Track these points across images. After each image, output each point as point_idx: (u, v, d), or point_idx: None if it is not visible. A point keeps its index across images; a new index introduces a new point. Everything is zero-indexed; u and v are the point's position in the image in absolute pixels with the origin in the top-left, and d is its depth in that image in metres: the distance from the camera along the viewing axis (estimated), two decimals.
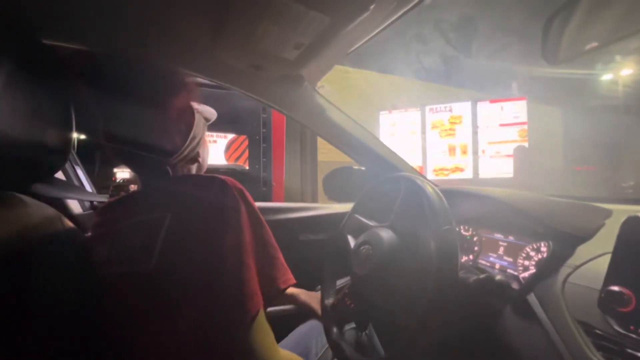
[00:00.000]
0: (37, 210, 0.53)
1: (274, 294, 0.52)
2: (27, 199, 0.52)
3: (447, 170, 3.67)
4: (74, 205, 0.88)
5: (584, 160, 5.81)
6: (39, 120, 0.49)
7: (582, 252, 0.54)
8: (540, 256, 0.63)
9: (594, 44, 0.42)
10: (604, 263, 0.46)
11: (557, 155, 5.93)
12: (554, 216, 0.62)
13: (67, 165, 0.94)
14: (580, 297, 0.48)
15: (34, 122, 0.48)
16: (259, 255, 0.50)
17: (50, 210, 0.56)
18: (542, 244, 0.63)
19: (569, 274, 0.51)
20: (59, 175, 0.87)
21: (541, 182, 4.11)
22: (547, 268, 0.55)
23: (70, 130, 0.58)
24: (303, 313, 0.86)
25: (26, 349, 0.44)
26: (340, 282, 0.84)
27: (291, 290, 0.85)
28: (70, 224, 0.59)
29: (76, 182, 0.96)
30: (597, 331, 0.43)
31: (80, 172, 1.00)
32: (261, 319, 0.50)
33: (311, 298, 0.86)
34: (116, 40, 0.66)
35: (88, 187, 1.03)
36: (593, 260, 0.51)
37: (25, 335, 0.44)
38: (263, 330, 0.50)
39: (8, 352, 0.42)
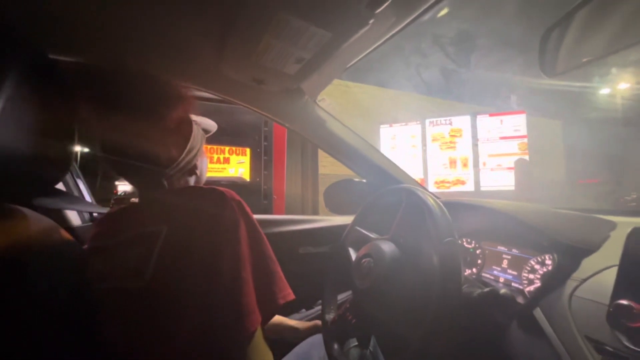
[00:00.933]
0: (35, 222, 0.53)
1: (272, 310, 0.51)
2: (26, 210, 0.52)
3: (448, 182, 3.67)
4: (74, 217, 0.87)
5: (586, 173, 5.80)
6: (42, 133, 0.49)
7: (588, 265, 0.53)
8: (545, 269, 0.62)
9: (592, 57, 0.43)
10: (610, 276, 0.45)
11: (559, 168, 5.92)
12: (558, 228, 0.61)
13: (68, 177, 0.94)
14: (587, 311, 0.47)
15: (38, 135, 0.49)
16: (257, 270, 0.49)
17: (49, 223, 0.56)
18: (547, 257, 0.62)
19: (576, 288, 0.50)
20: (59, 186, 0.87)
21: (543, 194, 4.10)
22: (553, 281, 0.54)
23: (72, 143, 0.58)
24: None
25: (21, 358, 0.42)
26: (341, 297, 0.82)
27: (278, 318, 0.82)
28: (68, 236, 0.59)
29: (77, 194, 0.96)
30: (607, 347, 0.42)
31: (81, 185, 1.01)
32: (259, 337, 0.48)
33: (300, 324, 0.83)
34: (121, 56, 0.67)
35: (88, 199, 1.03)
36: (599, 273, 0.50)
37: (22, 347, 0.43)
38: (261, 350, 0.48)
39: None
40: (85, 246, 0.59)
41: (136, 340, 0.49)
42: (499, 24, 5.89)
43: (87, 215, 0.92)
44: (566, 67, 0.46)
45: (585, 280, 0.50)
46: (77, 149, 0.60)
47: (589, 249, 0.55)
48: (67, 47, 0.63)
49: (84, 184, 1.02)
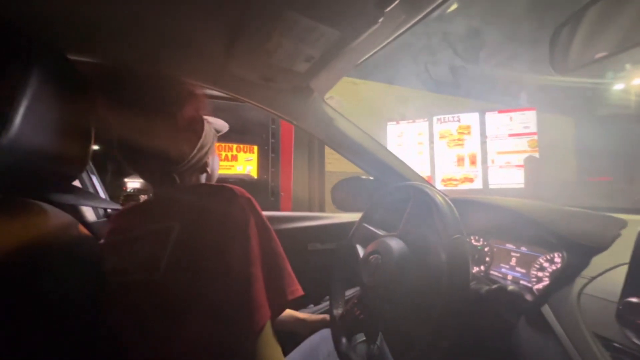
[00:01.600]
0: (55, 216, 0.55)
1: (281, 305, 0.52)
2: (45, 205, 0.54)
3: (456, 180, 3.64)
4: (89, 213, 0.90)
5: (598, 171, 5.68)
6: (61, 132, 0.51)
7: (598, 263, 0.53)
8: (554, 267, 0.62)
9: (604, 53, 0.42)
10: (620, 274, 0.44)
11: (570, 166, 5.82)
12: (568, 226, 0.61)
13: (84, 174, 0.97)
14: (596, 309, 0.47)
15: (57, 133, 0.50)
16: (266, 266, 0.50)
17: (67, 217, 0.58)
18: (556, 255, 0.62)
19: (585, 286, 0.50)
20: (75, 183, 0.89)
21: (553, 193, 4.03)
22: (562, 279, 0.54)
23: (89, 141, 0.60)
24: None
25: (40, 350, 0.44)
26: (349, 293, 0.83)
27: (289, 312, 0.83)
28: (85, 230, 0.61)
29: (91, 190, 0.99)
30: (616, 344, 0.42)
31: (95, 181, 1.03)
32: (268, 331, 0.49)
33: (308, 316, 0.84)
34: (136, 56, 0.69)
35: (103, 195, 1.05)
36: (609, 272, 0.50)
37: (41, 337, 0.45)
38: (270, 344, 0.49)
39: (22, 353, 0.43)
40: (102, 241, 0.61)
41: (148, 332, 0.50)
42: (509, 19, 5.77)
43: (101, 211, 0.95)
44: (578, 63, 0.45)
45: (594, 278, 0.50)
46: (92, 147, 0.62)
47: (599, 247, 0.55)
48: (82, 48, 0.65)
49: (98, 181, 1.05)
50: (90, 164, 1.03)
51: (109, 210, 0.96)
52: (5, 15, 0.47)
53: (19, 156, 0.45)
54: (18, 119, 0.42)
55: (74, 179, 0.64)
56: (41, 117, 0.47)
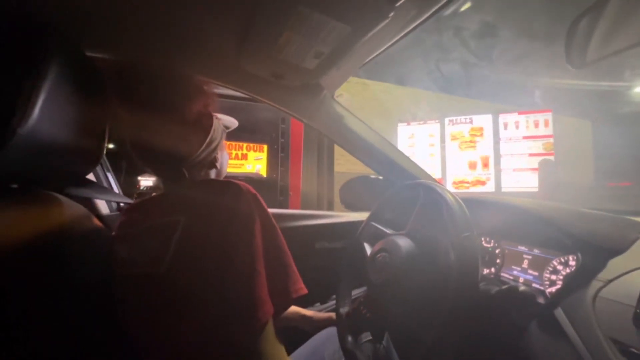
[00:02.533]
0: (71, 208, 0.56)
1: (285, 303, 0.51)
2: (62, 198, 0.56)
3: (467, 183, 3.58)
4: (102, 206, 0.92)
5: (617, 175, 5.48)
6: (76, 126, 0.52)
7: (615, 265, 0.51)
8: (568, 270, 0.60)
9: (624, 46, 0.41)
10: (638, 277, 0.43)
11: (587, 169, 5.64)
12: (584, 227, 0.59)
13: (99, 170, 0.99)
14: (612, 313, 0.45)
15: (72, 127, 0.52)
16: (270, 263, 0.50)
17: (82, 210, 0.59)
18: (571, 258, 0.60)
19: (600, 289, 0.48)
20: (90, 177, 0.92)
21: (568, 197, 3.91)
22: (576, 282, 0.52)
23: (104, 136, 0.62)
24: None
25: (51, 336, 0.46)
26: (356, 292, 0.82)
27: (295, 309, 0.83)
28: (99, 223, 0.62)
29: (106, 185, 1.02)
30: (633, 350, 0.40)
31: (110, 178, 1.06)
32: (271, 329, 0.49)
33: (314, 314, 0.84)
34: (150, 53, 0.70)
35: (116, 190, 1.08)
36: (627, 275, 0.48)
37: (56, 325, 0.46)
38: (273, 341, 0.49)
39: (36, 338, 0.44)
40: (114, 233, 0.63)
41: (153, 324, 0.51)
42: (523, 16, 5.63)
43: (114, 205, 0.97)
44: (596, 56, 0.44)
45: (611, 281, 0.48)
46: (107, 143, 0.63)
47: (616, 250, 0.53)
48: (100, 44, 0.67)
49: (112, 176, 1.07)
50: (106, 161, 1.06)
51: (121, 204, 0.98)
52: (26, 11, 0.49)
53: (36, 148, 0.46)
54: (36, 112, 0.43)
55: (88, 173, 0.66)
56: (58, 111, 0.48)
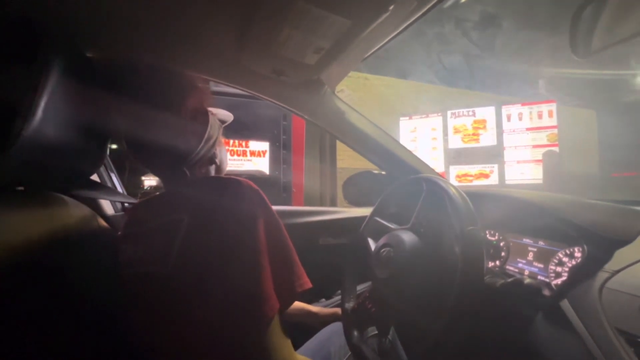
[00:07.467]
0: (76, 209, 0.57)
1: (290, 297, 0.52)
2: (66, 198, 0.56)
3: (470, 176, 3.55)
4: (107, 207, 0.93)
5: (622, 165, 5.42)
6: (79, 126, 0.53)
7: (621, 256, 0.50)
8: (574, 262, 0.59)
9: (629, 35, 0.40)
10: None
11: (592, 160, 5.58)
12: (590, 218, 0.58)
13: (102, 170, 1.00)
14: (619, 304, 0.45)
15: (75, 128, 0.52)
16: (274, 258, 0.50)
17: (87, 210, 0.60)
18: (576, 249, 0.60)
19: (607, 279, 0.48)
20: (95, 178, 0.93)
21: (573, 188, 3.88)
22: (582, 273, 0.52)
23: (106, 136, 0.62)
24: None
25: (57, 335, 0.46)
26: (361, 287, 0.82)
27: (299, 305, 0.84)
28: (104, 223, 0.63)
29: (110, 186, 1.02)
30: None
31: (114, 177, 1.07)
32: (277, 323, 0.49)
33: (320, 310, 0.84)
34: (150, 52, 0.70)
35: (120, 190, 1.09)
36: (634, 265, 0.47)
37: (62, 324, 0.47)
38: (279, 336, 0.49)
39: (42, 338, 0.44)
40: (119, 233, 0.63)
41: (159, 323, 0.51)
42: (525, 6, 5.53)
43: (119, 205, 0.98)
44: (601, 45, 0.43)
45: (617, 272, 0.48)
46: (110, 144, 0.63)
47: (623, 240, 0.52)
48: (98, 44, 0.67)
49: (116, 177, 1.08)
50: (110, 162, 1.06)
51: (126, 205, 0.99)
52: (26, 12, 0.49)
53: (41, 150, 0.46)
54: (39, 114, 0.44)
55: (93, 173, 0.66)
56: (61, 113, 0.48)
